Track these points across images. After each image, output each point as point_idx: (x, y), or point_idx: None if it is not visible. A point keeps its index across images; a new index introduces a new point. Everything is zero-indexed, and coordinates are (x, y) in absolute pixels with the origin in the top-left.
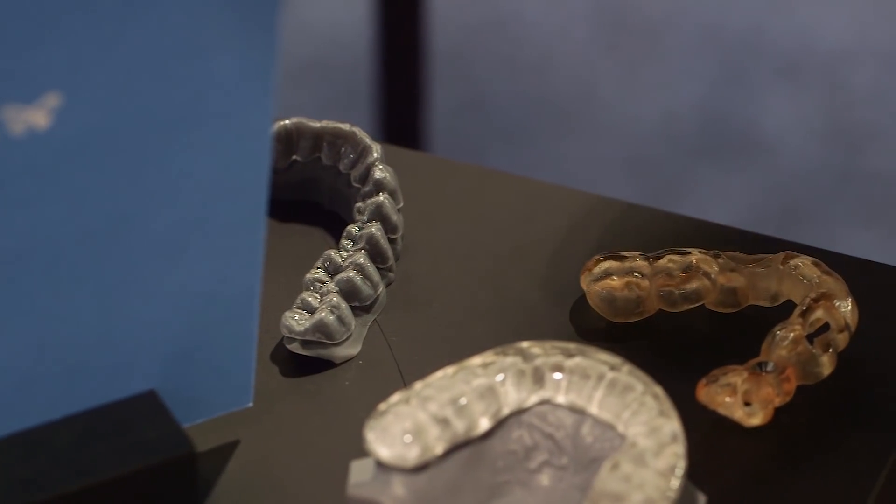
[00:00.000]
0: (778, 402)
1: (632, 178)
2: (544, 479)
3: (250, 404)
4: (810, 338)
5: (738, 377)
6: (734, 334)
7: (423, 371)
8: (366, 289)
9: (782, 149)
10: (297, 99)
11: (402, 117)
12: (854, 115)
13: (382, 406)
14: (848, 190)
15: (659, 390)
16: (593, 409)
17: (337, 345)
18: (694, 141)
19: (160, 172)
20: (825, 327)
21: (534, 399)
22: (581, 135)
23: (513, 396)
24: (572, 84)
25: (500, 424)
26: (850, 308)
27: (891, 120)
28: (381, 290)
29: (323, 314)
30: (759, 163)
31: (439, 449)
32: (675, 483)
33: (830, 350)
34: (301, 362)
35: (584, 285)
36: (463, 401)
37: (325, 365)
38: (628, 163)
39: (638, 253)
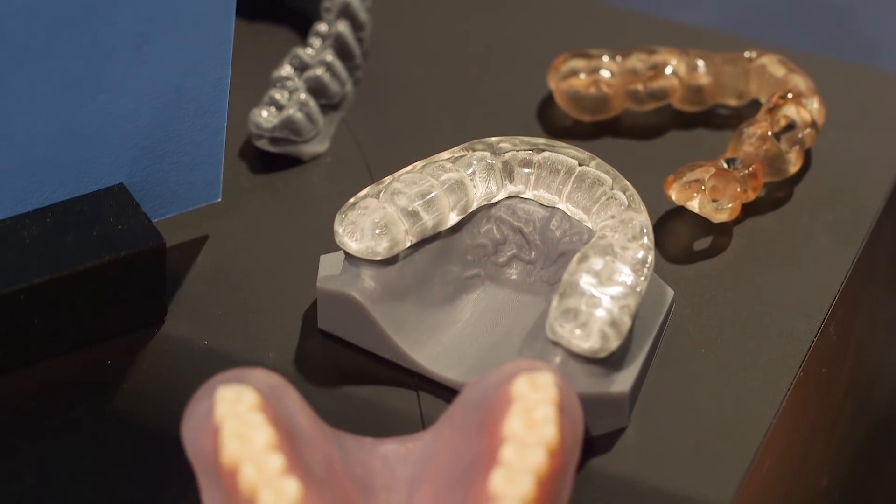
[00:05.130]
0: (745, 198)
1: None
2: (513, 272)
3: (219, 199)
4: (777, 135)
5: (705, 173)
6: (701, 132)
7: (392, 168)
8: (334, 86)
9: None
10: None
11: None
12: None
13: (351, 200)
14: (804, 22)
15: (627, 184)
16: (562, 203)
17: (305, 142)
18: None
19: None
20: (792, 125)
21: (503, 193)
22: None
23: (482, 190)
24: None
25: (469, 218)
26: (816, 106)
27: None
28: (348, 87)
29: (291, 111)
30: None
31: (408, 242)
32: (644, 276)
33: (797, 147)
34: (269, 159)
35: (551, 83)
36: (432, 194)
37: (293, 162)
38: None
39: (605, 51)
